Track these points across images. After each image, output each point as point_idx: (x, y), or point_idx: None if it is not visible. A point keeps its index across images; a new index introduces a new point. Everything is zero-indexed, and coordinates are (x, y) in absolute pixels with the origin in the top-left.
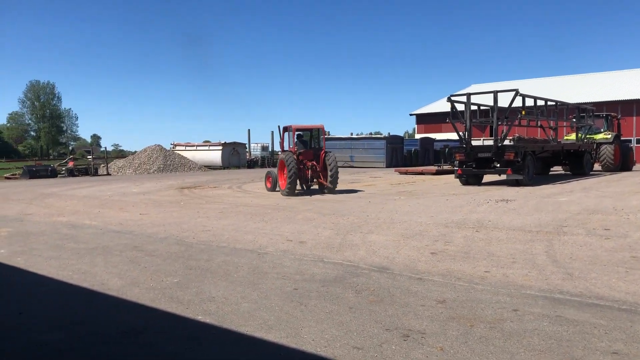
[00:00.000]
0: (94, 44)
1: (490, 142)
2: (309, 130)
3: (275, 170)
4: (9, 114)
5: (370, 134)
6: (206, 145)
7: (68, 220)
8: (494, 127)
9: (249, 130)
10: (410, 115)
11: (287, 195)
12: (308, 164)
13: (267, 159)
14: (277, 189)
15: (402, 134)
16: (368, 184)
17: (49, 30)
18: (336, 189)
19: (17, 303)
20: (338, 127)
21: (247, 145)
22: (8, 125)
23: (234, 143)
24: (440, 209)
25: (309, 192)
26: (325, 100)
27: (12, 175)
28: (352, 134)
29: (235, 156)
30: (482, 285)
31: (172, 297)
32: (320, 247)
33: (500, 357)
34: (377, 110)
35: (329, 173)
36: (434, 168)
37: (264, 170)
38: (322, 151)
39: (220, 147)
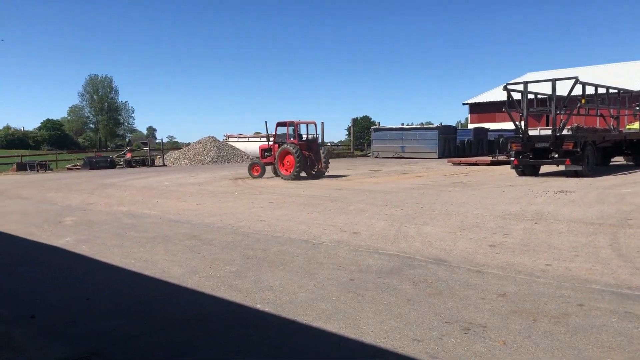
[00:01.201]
0: (149, 38)
1: (548, 132)
2: (306, 124)
3: (258, 159)
4: (69, 107)
5: (422, 124)
6: (257, 137)
7: (128, 210)
8: (552, 117)
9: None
10: (463, 104)
11: (291, 180)
12: (305, 154)
13: None
14: (263, 175)
15: (454, 124)
16: (420, 174)
17: (107, 25)
18: (326, 174)
19: (83, 289)
20: (388, 117)
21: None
22: (69, 118)
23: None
24: (497, 201)
25: (304, 178)
26: (375, 90)
27: (74, 166)
28: (403, 124)
29: None
30: (543, 278)
31: (231, 286)
32: (374, 238)
33: (566, 353)
34: (429, 100)
35: (323, 161)
36: (488, 159)
37: None
38: (315, 143)
39: (272, 139)
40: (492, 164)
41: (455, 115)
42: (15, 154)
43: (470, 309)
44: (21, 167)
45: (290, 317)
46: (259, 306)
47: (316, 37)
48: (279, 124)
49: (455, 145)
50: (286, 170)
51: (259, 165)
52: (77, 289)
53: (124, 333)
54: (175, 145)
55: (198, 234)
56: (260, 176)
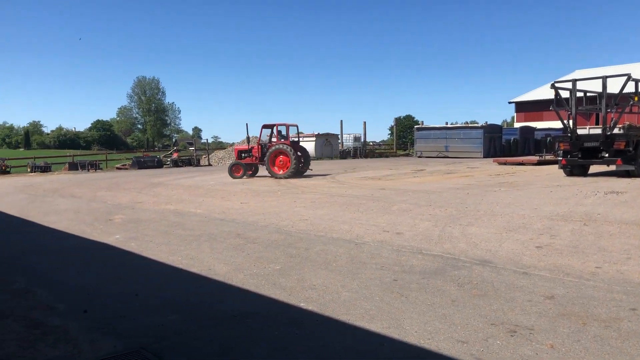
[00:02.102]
0: (195, 40)
1: (598, 131)
2: (287, 126)
3: (236, 161)
4: (118, 108)
5: (466, 123)
6: (299, 137)
7: (175, 208)
8: (602, 115)
9: (341, 121)
10: (509, 103)
11: (287, 178)
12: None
13: (360, 150)
14: (244, 175)
15: (499, 123)
16: (465, 174)
17: (154, 29)
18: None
19: (133, 285)
20: (432, 116)
21: (339, 136)
22: (118, 118)
23: (327, 134)
24: (544, 201)
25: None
26: (418, 89)
27: (123, 165)
28: (447, 124)
29: (328, 147)
30: (593, 281)
31: (275, 284)
32: (418, 239)
33: (617, 359)
34: (473, 98)
35: (303, 161)
36: (535, 158)
37: (357, 161)
38: (298, 144)
39: (314, 138)
40: (539, 163)
41: (500, 114)
42: (67, 154)
43: (516, 311)
44: (73, 167)
45: (333, 316)
46: (302, 305)
47: (359, 36)
48: (265, 127)
49: (500, 144)
50: (279, 169)
51: (240, 166)
52: (126, 285)
53: (172, 328)
54: (219, 145)
55: (242, 233)
56: (242, 176)
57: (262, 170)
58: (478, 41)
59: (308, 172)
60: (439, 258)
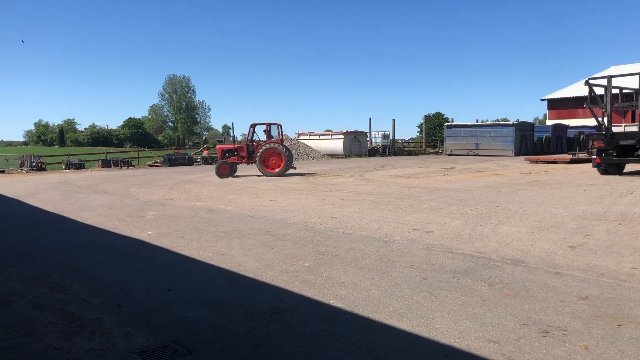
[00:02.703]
0: (225, 39)
1: (634, 128)
2: (269, 125)
3: (220, 161)
4: (150, 106)
5: (496, 120)
6: (328, 135)
7: (205, 205)
8: (638, 112)
9: (370, 118)
10: (541, 100)
11: (280, 176)
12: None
13: (388, 148)
14: (233, 173)
15: (531, 121)
16: (496, 172)
17: (185, 28)
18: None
19: (165, 280)
20: (462, 114)
21: (368, 134)
22: (149, 116)
23: (356, 132)
24: (577, 200)
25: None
26: (448, 86)
27: (154, 163)
28: (477, 121)
29: (357, 145)
30: (629, 282)
31: (305, 281)
32: (448, 237)
33: None
34: (504, 95)
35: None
36: (568, 156)
37: (386, 159)
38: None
39: (342, 136)
40: (572, 162)
41: (532, 111)
42: (100, 151)
43: (549, 312)
44: (106, 164)
45: (363, 313)
46: (331, 302)
47: (388, 33)
48: (254, 125)
49: (532, 142)
50: (272, 168)
51: (227, 164)
52: (159, 280)
53: (204, 323)
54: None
55: (272, 230)
56: (229, 175)
57: (242, 170)
58: (509, 37)
59: (304, 171)
60: (470, 257)
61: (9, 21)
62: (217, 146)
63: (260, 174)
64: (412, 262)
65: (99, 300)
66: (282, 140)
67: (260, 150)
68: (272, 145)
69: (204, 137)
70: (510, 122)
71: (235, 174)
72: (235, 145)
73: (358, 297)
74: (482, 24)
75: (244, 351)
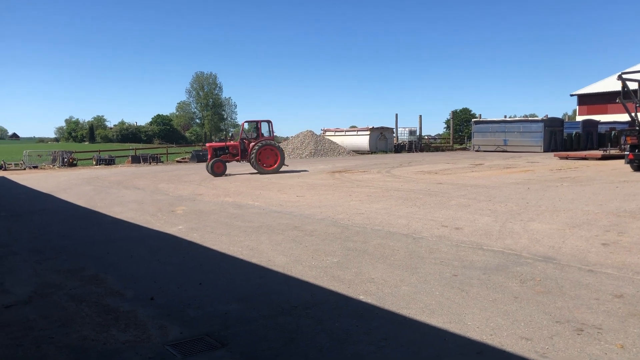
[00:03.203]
0: (251, 36)
1: None
2: (269, 123)
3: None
4: (177, 103)
5: (525, 116)
6: (354, 131)
7: (234, 201)
8: None
9: (396, 114)
10: (571, 95)
11: (274, 173)
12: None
13: (415, 144)
14: (225, 172)
15: (560, 116)
16: (525, 169)
17: (211, 25)
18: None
19: (196, 274)
20: (489, 109)
21: (394, 130)
22: (177, 113)
23: (382, 128)
24: (610, 197)
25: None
26: (475, 81)
27: (182, 159)
28: (505, 117)
29: (383, 141)
30: None
31: (334, 276)
32: (477, 234)
33: None
34: (532, 91)
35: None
36: (599, 153)
37: (413, 155)
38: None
39: (368, 132)
40: (604, 158)
41: (560, 107)
42: (130, 147)
43: (582, 310)
44: (135, 160)
45: (393, 309)
46: (361, 297)
47: (414, 28)
48: (247, 122)
49: (561, 138)
50: (267, 165)
51: (221, 163)
52: (190, 274)
53: (236, 317)
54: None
55: (299, 225)
56: (222, 174)
57: (232, 168)
58: (537, 31)
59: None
60: (500, 254)
61: (40, 20)
62: (208, 144)
63: (254, 171)
64: (441, 259)
65: (133, 293)
66: (273, 138)
67: (257, 148)
68: (267, 142)
69: (230, 134)
70: (539, 118)
71: (226, 173)
72: (227, 143)
73: (388, 293)
74: (510, 18)
75: (276, 344)
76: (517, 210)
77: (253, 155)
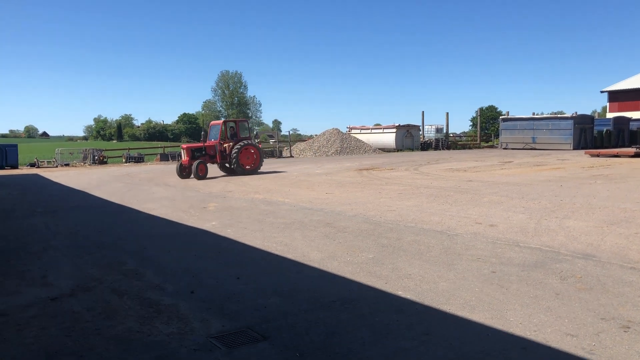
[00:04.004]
0: (276, 35)
1: None
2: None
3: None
4: (203, 102)
5: (552, 113)
6: (380, 128)
7: (264, 198)
8: None
9: (422, 112)
10: (602, 92)
11: (253, 174)
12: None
13: (442, 141)
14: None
15: (588, 113)
16: (556, 166)
17: (237, 24)
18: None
19: (233, 269)
20: (516, 106)
21: (420, 127)
22: (203, 112)
23: (408, 125)
24: None
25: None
26: (501, 77)
27: None
28: (533, 114)
29: (409, 138)
30: None
31: (370, 272)
32: (513, 231)
33: None
34: (560, 87)
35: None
36: (631, 150)
37: (440, 153)
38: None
39: (394, 130)
40: (636, 155)
41: (589, 104)
42: (159, 145)
43: (627, 307)
44: (164, 157)
45: (433, 305)
46: (400, 293)
47: (437, 27)
48: (227, 121)
49: (592, 136)
50: (247, 164)
51: (203, 165)
52: (227, 269)
53: (275, 311)
54: (298, 138)
55: (331, 222)
56: (205, 176)
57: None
58: (564, 26)
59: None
60: (538, 251)
61: (69, 21)
62: (183, 145)
63: (223, 174)
64: (478, 256)
65: (173, 287)
66: (251, 137)
67: (237, 148)
68: (248, 142)
69: (254, 132)
70: (569, 115)
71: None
72: (205, 144)
73: (426, 289)
74: (537, 14)
75: (318, 338)
76: (552, 208)
77: (235, 156)
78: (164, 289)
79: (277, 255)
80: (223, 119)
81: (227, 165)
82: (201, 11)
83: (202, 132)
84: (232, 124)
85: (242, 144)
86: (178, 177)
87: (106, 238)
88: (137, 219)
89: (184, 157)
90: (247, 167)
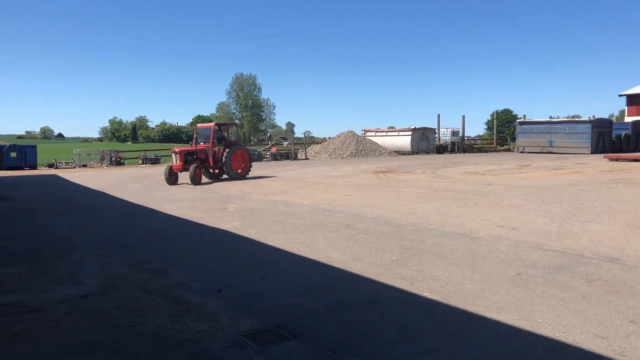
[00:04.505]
0: (290, 41)
1: None
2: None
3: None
4: (217, 104)
5: (568, 117)
6: (395, 131)
7: (282, 199)
8: None
9: (438, 115)
10: (620, 95)
11: (244, 179)
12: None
13: (457, 145)
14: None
15: (605, 117)
16: (574, 170)
17: (251, 27)
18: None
19: (257, 269)
20: (531, 110)
21: (436, 130)
22: (217, 114)
23: (424, 128)
24: None
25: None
26: (516, 81)
27: None
28: (551, 117)
29: (425, 141)
30: None
31: (395, 273)
32: (535, 234)
33: None
34: (575, 91)
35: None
36: None
37: (456, 156)
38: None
39: (410, 133)
40: None
41: (606, 107)
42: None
43: None
44: None
45: (460, 306)
46: (426, 294)
47: (451, 29)
48: (218, 124)
49: (610, 140)
50: (238, 169)
51: (199, 169)
52: (251, 269)
53: (303, 310)
54: (311, 140)
55: (352, 223)
56: (201, 181)
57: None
58: (578, 29)
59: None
60: (562, 254)
61: (83, 24)
62: (177, 149)
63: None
64: (502, 258)
65: (199, 285)
66: (239, 141)
67: (229, 152)
68: (238, 146)
69: (268, 134)
70: (587, 119)
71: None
72: (196, 148)
73: (452, 291)
74: (551, 16)
75: (347, 337)
76: (573, 212)
77: (228, 159)
78: (190, 287)
79: (300, 256)
80: (214, 122)
81: (211, 170)
82: (216, 15)
83: (194, 136)
84: (223, 127)
85: (233, 148)
86: (167, 183)
87: (130, 238)
88: (158, 219)
89: (177, 162)
90: (238, 171)
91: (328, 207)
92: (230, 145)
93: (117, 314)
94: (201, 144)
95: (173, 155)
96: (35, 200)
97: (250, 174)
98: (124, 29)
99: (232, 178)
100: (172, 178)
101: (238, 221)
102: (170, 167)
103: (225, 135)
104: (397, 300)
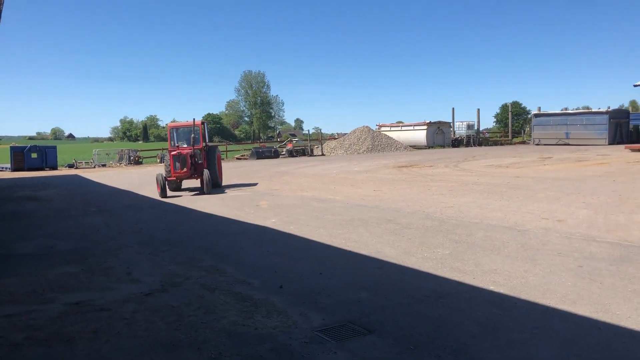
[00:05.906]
0: (298, 37)
1: None
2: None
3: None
4: (227, 102)
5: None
6: (411, 126)
7: (312, 195)
8: None
9: (453, 108)
10: (635, 86)
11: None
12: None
13: (473, 138)
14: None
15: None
16: (598, 162)
17: (259, 25)
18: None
19: (311, 264)
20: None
21: (451, 124)
22: (226, 112)
23: (439, 122)
24: None
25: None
26: (526, 73)
27: (242, 156)
28: (566, 109)
29: (440, 135)
30: None
31: (453, 267)
32: (583, 226)
33: None
34: (586, 82)
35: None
36: None
37: (472, 150)
38: None
39: (425, 127)
40: None
41: (615, 98)
42: None
43: None
44: None
45: (530, 299)
46: (491, 287)
47: (461, 22)
48: (205, 123)
49: (627, 130)
50: (220, 179)
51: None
52: (305, 264)
53: (369, 305)
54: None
55: (392, 219)
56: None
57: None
58: (586, 21)
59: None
60: (618, 246)
61: (93, 26)
62: (181, 151)
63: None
64: (557, 250)
65: (259, 282)
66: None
67: (213, 157)
68: (216, 149)
69: (277, 131)
70: (604, 110)
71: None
72: (195, 149)
73: (517, 284)
74: (563, 7)
75: (425, 331)
76: (613, 203)
77: (214, 166)
78: (250, 284)
79: (350, 252)
80: (201, 120)
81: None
82: (225, 12)
83: (192, 136)
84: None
85: (214, 152)
86: (159, 195)
87: (172, 236)
88: (195, 217)
89: (181, 168)
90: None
91: (361, 202)
92: (211, 149)
93: (186, 311)
94: (185, 146)
95: (172, 158)
96: (65, 200)
97: (272, 171)
98: (135, 30)
99: (213, 187)
100: (170, 188)
101: (275, 217)
102: (164, 177)
103: (205, 136)
104: (463, 294)
